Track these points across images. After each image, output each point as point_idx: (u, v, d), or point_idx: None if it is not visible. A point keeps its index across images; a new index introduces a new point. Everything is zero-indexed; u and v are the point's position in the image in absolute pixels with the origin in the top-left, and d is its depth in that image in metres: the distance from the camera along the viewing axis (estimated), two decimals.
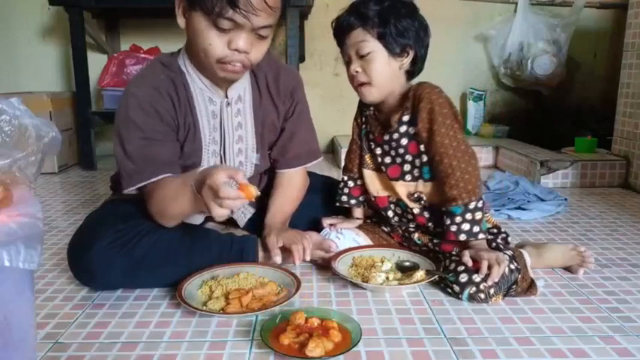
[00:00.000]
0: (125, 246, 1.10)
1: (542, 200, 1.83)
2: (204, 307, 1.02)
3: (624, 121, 2.28)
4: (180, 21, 1.10)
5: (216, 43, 1.06)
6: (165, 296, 1.11)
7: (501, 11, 2.94)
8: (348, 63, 1.20)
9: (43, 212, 0.69)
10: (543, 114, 3.03)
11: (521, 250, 1.19)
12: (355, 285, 1.14)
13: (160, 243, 1.13)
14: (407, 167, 1.21)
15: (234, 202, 0.93)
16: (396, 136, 1.19)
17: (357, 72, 1.17)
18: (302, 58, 2.77)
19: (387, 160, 1.24)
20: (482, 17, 2.95)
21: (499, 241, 1.20)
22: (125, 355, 0.88)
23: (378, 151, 1.25)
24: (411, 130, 1.17)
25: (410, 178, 1.21)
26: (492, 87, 3.04)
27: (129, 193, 1.15)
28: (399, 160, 1.21)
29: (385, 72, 1.16)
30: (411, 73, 1.20)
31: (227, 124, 1.22)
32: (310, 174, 1.42)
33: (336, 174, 2.30)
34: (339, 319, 0.95)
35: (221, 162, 1.24)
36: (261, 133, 1.28)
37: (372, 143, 1.28)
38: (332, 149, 2.96)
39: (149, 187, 1.13)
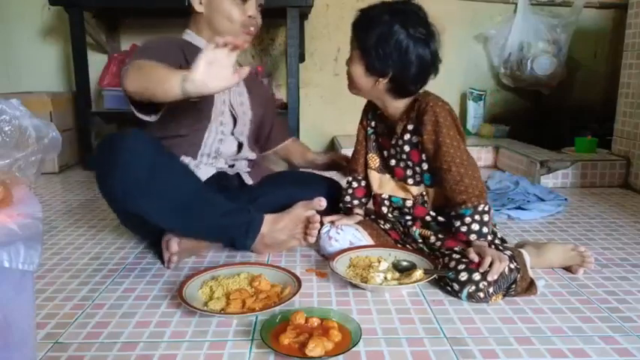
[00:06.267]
0: (158, 148, 1.19)
1: (542, 200, 1.83)
2: (205, 308, 1.02)
3: (624, 121, 2.28)
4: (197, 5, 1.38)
5: (235, 12, 1.37)
6: (165, 296, 1.11)
7: (501, 11, 2.94)
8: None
9: (43, 212, 0.69)
10: (543, 114, 3.03)
11: (521, 249, 1.19)
12: (355, 285, 1.14)
13: (182, 177, 1.22)
14: (409, 172, 1.28)
15: None
16: (400, 142, 1.26)
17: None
18: (302, 58, 2.76)
19: (393, 162, 1.30)
20: (482, 17, 2.95)
21: (497, 242, 1.21)
22: (125, 355, 0.88)
23: (385, 153, 1.32)
24: (415, 139, 1.23)
25: (412, 182, 1.28)
26: (492, 87, 3.04)
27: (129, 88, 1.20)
28: (402, 164, 1.28)
29: (361, 82, 1.22)
30: (396, 93, 1.22)
31: None
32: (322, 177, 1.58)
33: (335, 173, 2.29)
34: (339, 319, 0.95)
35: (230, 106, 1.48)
36: (252, 99, 1.54)
37: (380, 145, 1.33)
38: (332, 149, 2.95)
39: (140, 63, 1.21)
